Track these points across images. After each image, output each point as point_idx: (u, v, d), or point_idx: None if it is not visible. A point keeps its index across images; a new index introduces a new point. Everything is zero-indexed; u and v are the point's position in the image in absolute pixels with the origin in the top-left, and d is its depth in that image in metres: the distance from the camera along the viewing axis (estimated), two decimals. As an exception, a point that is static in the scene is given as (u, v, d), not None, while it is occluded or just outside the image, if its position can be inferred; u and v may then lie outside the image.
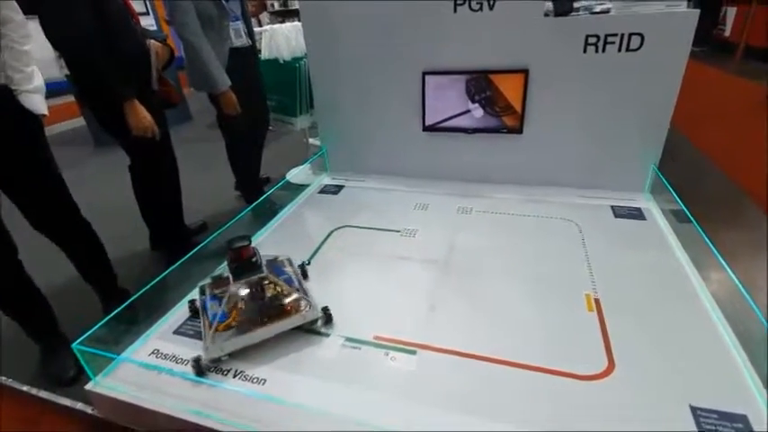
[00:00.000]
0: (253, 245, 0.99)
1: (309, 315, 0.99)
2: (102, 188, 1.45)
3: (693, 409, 0.77)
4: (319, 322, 1.02)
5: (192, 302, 1.10)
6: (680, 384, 0.83)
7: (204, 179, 2.77)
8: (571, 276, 1.15)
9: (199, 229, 2.20)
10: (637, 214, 1.44)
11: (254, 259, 0.97)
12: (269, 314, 0.96)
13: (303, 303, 1.00)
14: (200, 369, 0.90)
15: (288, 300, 1.00)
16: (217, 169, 2.47)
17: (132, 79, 1.53)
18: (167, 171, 1.89)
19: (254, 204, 1.54)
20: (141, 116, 1.53)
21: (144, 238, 2.03)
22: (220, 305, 0.97)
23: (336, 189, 1.80)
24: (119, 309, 0.98)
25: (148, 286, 1.04)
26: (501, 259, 1.25)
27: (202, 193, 2.56)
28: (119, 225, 1.77)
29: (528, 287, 1.13)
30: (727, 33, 4.99)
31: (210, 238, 1.31)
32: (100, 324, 0.95)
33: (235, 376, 0.90)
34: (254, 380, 0.89)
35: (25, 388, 1.21)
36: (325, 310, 1.02)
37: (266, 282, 1.01)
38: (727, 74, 3.97)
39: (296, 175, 2.03)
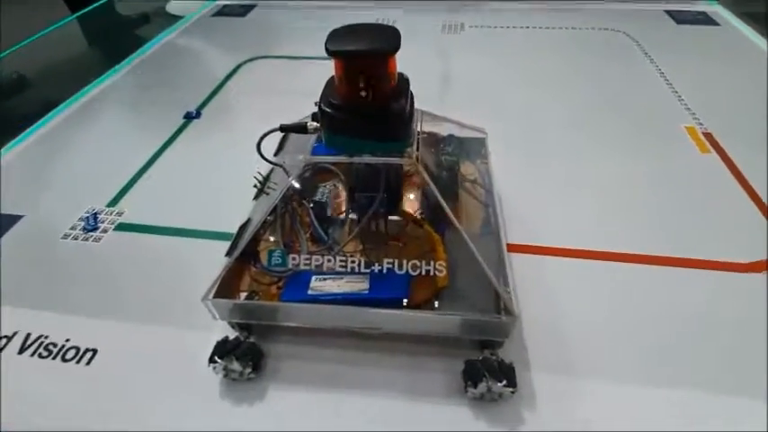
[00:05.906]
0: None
1: None
2: None
3: None
4: None
5: None
6: None
7: None
8: (654, 106, 0.70)
9: None
10: (704, 19, 0.98)
11: None
12: None
13: None
14: None
15: None
16: None
17: None
18: None
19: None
20: None
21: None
22: None
23: (244, 9, 1.12)
24: None
25: None
26: (534, 94, 0.75)
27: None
28: None
29: (594, 130, 0.65)
30: None
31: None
32: None
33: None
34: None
35: None
36: None
37: None
38: None
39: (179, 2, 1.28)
